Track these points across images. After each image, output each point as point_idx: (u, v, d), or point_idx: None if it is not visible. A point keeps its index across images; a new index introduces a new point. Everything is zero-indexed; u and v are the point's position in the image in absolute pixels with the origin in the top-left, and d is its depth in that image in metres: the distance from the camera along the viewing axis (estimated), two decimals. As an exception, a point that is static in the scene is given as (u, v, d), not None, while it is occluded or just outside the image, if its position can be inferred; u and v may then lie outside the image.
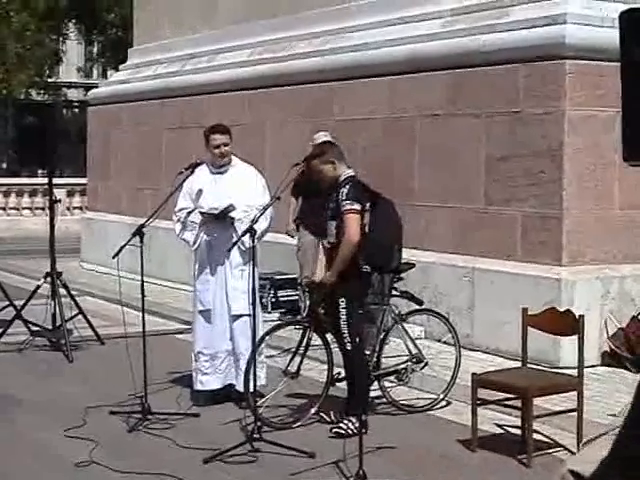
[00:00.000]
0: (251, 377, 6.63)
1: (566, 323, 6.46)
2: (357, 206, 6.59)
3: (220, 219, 7.44)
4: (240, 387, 7.39)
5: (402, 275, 7.35)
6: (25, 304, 9.93)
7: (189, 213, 7.60)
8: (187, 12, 14.92)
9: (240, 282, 7.43)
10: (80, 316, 9.91)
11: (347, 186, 6.66)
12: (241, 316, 7.44)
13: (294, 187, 9.90)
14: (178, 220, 7.67)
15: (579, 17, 8.80)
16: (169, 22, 15.35)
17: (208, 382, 7.60)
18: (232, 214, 7.41)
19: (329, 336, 7.01)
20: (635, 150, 4.53)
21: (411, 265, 7.45)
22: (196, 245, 7.63)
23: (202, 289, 7.65)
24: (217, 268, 7.56)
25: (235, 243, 7.02)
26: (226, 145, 7.61)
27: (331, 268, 6.68)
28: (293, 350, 7.19)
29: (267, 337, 7.26)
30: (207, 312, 7.61)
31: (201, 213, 7.53)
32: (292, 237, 10.41)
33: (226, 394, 7.59)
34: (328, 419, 6.92)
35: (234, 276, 7.49)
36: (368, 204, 6.72)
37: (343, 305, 6.64)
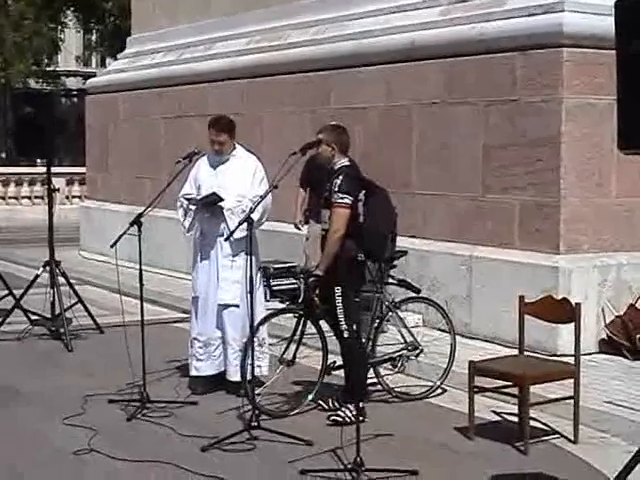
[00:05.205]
0: (248, 365, 6.64)
1: (563, 311, 6.48)
2: (347, 200, 6.60)
3: (209, 207, 7.44)
4: (229, 376, 7.42)
5: (395, 263, 7.37)
6: (24, 293, 9.95)
7: (189, 200, 7.60)
8: (184, 1, 14.90)
9: (229, 272, 7.45)
10: (79, 305, 9.93)
11: (340, 177, 6.67)
12: (229, 306, 7.46)
13: (303, 178, 9.85)
14: (181, 206, 7.68)
15: (576, 5, 8.79)
16: (166, 11, 15.34)
17: (202, 368, 7.61)
18: (221, 203, 7.38)
19: (324, 324, 7.01)
20: (630, 139, 4.55)
21: (403, 252, 7.49)
22: (190, 232, 7.67)
23: (196, 276, 7.69)
24: (209, 257, 7.56)
25: (232, 233, 6.97)
26: (220, 144, 7.52)
27: (319, 262, 6.73)
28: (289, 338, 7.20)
29: (261, 326, 7.25)
30: (199, 299, 7.63)
31: (187, 199, 7.55)
32: (299, 229, 10.28)
33: (220, 381, 7.59)
34: (326, 407, 6.94)
35: (224, 266, 7.48)
36: (362, 193, 6.73)
37: (339, 293, 6.66)
